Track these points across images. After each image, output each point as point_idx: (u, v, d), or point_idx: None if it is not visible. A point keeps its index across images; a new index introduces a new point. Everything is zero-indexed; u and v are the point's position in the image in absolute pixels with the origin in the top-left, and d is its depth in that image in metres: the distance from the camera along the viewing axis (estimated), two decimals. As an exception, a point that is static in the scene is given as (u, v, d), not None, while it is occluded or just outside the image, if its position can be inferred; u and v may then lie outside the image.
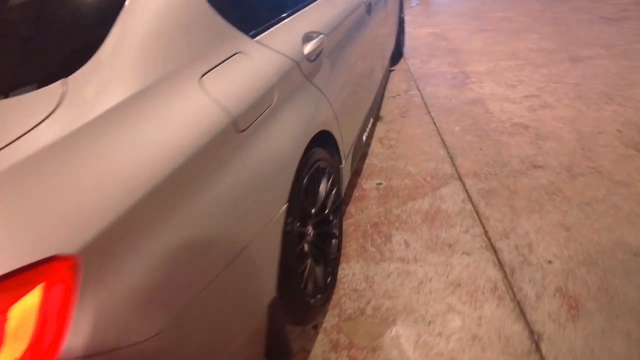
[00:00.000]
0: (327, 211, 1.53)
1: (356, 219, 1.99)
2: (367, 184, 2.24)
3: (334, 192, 1.56)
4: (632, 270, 1.52)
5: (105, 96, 0.76)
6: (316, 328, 1.48)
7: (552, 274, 1.55)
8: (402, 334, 1.42)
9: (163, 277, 0.75)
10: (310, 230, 1.44)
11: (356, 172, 2.31)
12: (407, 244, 1.79)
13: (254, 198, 1.00)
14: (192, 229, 0.80)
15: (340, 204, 1.69)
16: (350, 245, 1.82)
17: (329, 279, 1.55)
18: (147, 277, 0.72)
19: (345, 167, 1.85)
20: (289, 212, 1.13)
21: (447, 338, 1.38)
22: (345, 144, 1.78)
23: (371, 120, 2.43)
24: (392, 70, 3.74)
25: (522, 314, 1.42)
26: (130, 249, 0.69)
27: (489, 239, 1.76)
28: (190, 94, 0.88)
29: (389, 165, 2.36)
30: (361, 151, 2.18)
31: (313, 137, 1.31)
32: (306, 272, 1.35)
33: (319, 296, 1.45)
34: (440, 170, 2.26)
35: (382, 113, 2.98)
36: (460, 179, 2.17)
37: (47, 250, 0.61)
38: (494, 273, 1.59)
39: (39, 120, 0.70)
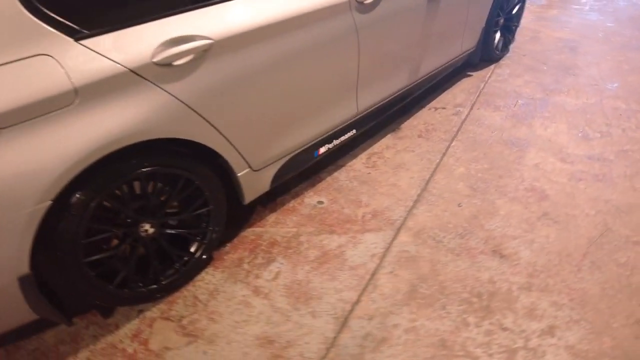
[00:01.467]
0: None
1: (265, 230, 1.93)
2: (310, 198, 2.10)
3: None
4: None
5: None
6: (142, 312, 1.60)
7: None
8: (186, 355, 1.43)
9: None
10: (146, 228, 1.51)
11: (313, 183, 2.18)
12: (276, 276, 1.69)
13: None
14: None
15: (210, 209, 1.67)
16: (233, 254, 1.81)
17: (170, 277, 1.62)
18: None
19: (261, 175, 1.79)
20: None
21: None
22: (253, 154, 1.71)
23: (351, 132, 2.19)
24: (470, 76, 3.15)
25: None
26: None
27: (350, 310, 1.53)
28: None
29: (349, 187, 2.15)
30: (311, 162, 2.03)
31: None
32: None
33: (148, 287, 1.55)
34: (389, 213, 1.96)
35: (403, 125, 2.61)
36: (397, 230, 1.86)
37: None
38: (318, 346, 1.42)
39: None
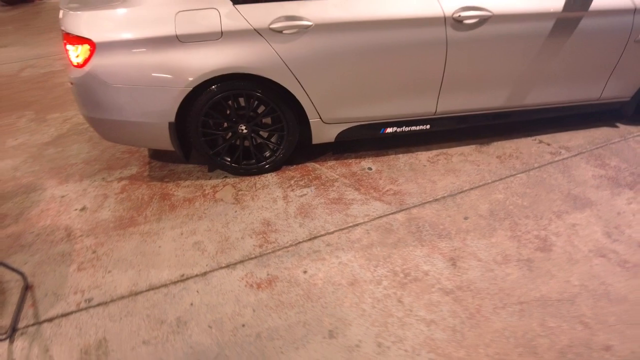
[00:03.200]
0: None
1: (320, 167, 2.62)
2: (366, 163, 2.65)
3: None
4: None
5: None
6: (226, 177, 2.59)
7: None
8: (226, 209, 2.34)
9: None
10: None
11: (378, 153, 2.70)
12: (301, 195, 2.44)
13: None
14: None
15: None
16: (292, 172, 2.61)
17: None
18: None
19: (329, 128, 2.49)
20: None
21: None
22: (325, 110, 2.43)
23: (425, 126, 2.57)
24: (615, 127, 2.78)
25: None
26: None
27: (321, 235, 2.17)
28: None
29: (400, 168, 2.60)
30: (377, 135, 2.55)
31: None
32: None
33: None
34: (407, 197, 2.38)
35: (495, 143, 2.71)
36: (399, 210, 2.26)
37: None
38: (288, 241, 2.13)
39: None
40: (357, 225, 2.23)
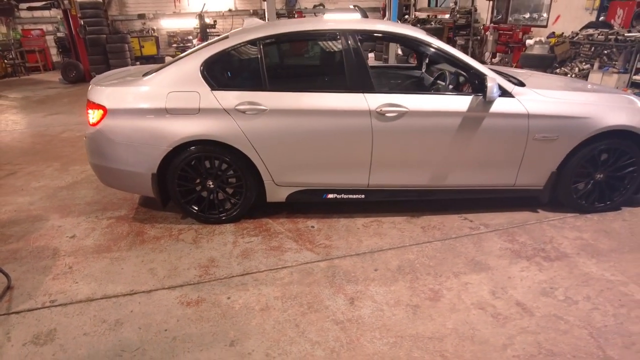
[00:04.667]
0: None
1: (271, 222, 3.11)
2: (312, 222, 3.13)
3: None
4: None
5: None
6: (193, 224, 3.10)
7: None
8: (181, 247, 2.83)
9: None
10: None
11: (327, 216, 3.19)
12: (250, 242, 2.88)
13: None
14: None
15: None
16: (247, 223, 3.10)
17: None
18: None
19: (280, 189, 3.05)
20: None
21: None
22: (276, 175, 3.00)
23: (360, 195, 3.08)
24: (535, 212, 3.18)
25: None
26: None
27: (252, 273, 2.58)
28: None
29: (339, 228, 3.08)
30: (320, 200, 3.13)
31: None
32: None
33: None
34: (335, 250, 2.80)
35: (410, 217, 3.15)
36: (324, 259, 2.66)
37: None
38: (225, 273, 2.54)
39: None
40: (285, 267, 2.65)
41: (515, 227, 3.11)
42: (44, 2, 8.65)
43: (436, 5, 12.95)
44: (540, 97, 3.01)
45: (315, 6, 14.04)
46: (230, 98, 2.91)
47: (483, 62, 10.98)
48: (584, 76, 7.05)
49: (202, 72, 2.94)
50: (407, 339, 2.09)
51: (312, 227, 3.14)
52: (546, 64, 7.54)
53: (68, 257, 2.81)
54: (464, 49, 10.49)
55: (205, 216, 3.16)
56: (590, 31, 7.22)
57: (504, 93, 2.96)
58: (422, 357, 1.99)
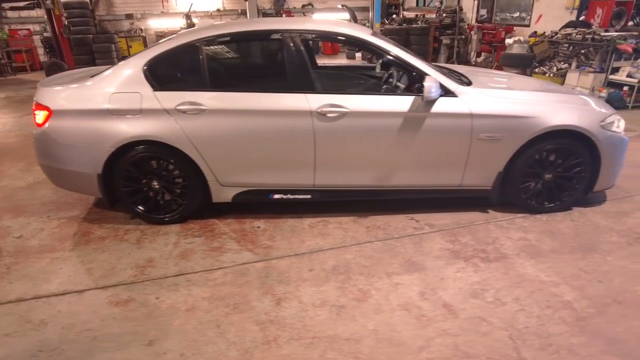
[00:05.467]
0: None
1: (217, 222, 3.11)
2: (258, 222, 3.14)
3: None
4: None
5: None
6: (140, 222, 3.11)
7: None
8: (117, 245, 2.84)
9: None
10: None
11: (275, 216, 3.21)
12: (191, 242, 2.91)
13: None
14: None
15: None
16: (193, 224, 3.12)
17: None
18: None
19: (226, 190, 3.06)
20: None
21: None
22: (220, 175, 3.01)
23: (307, 196, 3.12)
24: (486, 212, 3.17)
25: None
26: None
27: (183, 274, 2.60)
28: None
29: (284, 229, 3.08)
30: (267, 200, 3.15)
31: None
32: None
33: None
34: (274, 251, 2.81)
35: (330, 218, 3.15)
36: (262, 259, 2.68)
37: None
38: (158, 273, 2.56)
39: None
40: (221, 268, 2.66)
41: (461, 227, 3.11)
42: (26, 2, 8.67)
43: (424, 5, 12.91)
44: (484, 97, 3.00)
45: (304, 6, 14.03)
46: (172, 98, 2.92)
47: (468, 62, 11.06)
48: (562, 76, 7.02)
49: (144, 73, 2.95)
50: (324, 340, 2.10)
51: (258, 227, 3.15)
52: (525, 63, 7.51)
53: (9, 258, 2.82)
54: (450, 49, 10.48)
55: (150, 217, 3.18)
56: (569, 30, 7.19)
57: (447, 93, 2.96)
58: (335, 358, 2.00)
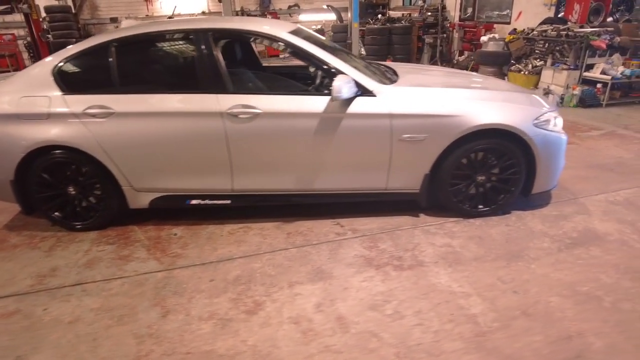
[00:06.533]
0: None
1: (134, 230, 3.02)
2: (176, 229, 3.04)
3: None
4: None
5: None
6: (58, 229, 3.04)
7: None
8: (30, 253, 2.76)
9: None
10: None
11: (196, 223, 3.12)
12: (103, 249, 2.80)
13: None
14: None
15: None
16: (110, 230, 3.02)
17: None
18: None
19: (141, 195, 2.95)
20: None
21: None
22: (134, 180, 2.91)
23: (226, 201, 3.01)
24: (416, 216, 3.02)
25: None
26: None
27: (87, 283, 2.51)
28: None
29: (201, 237, 2.99)
30: (184, 206, 3.07)
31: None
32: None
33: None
34: (181, 260, 2.71)
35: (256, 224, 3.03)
36: (168, 268, 2.58)
37: None
38: (66, 282, 2.47)
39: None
40: (121, 277, 2.57)
41: (385, 232, 2.98)
42: (4, 7, 8.72)
43: (410, 4, 12.73)
44: (405, 96, 2.87)
45: (290, 7, 13.92)
46: (81, 102, 2.83)
47: (451, 61, 10.85)
48: (538, 73, 6.82)
49: (54, 76, 2.87)
50: (198, 356, 1.99)
51: (175, 234, 3.05)
52: (501, 61, 7.32)
53: None
54: (434, 48, 10.30)
55: (67, 223, 3.09)
56: (545, 27, 6.98)
57: (365, 92, 2.83)
58: (203, 375, 1.90)
